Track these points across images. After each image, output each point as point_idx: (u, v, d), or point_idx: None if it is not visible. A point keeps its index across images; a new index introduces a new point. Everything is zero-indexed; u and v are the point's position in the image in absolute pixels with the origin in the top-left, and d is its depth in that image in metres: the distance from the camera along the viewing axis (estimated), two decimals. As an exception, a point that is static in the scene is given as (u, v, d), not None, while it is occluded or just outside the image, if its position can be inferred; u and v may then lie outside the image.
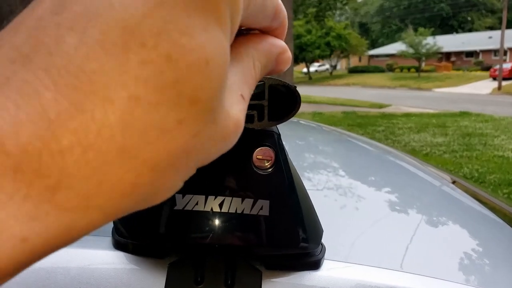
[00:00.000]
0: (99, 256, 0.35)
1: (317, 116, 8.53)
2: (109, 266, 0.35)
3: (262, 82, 0.25)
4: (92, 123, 0.11)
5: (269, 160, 0.30)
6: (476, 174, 4.08)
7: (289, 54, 0.21)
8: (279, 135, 0.31)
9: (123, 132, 0.11)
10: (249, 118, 0.25)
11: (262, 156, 0.30)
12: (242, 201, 0.30)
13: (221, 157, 0.29)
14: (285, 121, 0.26)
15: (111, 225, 0.35)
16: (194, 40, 0.12)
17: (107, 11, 0.11)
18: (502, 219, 0.67)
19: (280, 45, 0.20)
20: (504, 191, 3.57)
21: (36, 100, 0.10)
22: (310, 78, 27.28)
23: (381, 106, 11.16)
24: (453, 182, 0.88)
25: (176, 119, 0.12)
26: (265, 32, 0.20)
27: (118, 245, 0.35)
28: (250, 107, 0.25)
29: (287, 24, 0.21)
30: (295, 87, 0.25)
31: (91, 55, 0.11)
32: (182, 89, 0.12)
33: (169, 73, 0.11)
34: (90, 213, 0.11)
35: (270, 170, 0.30)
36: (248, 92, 0.17)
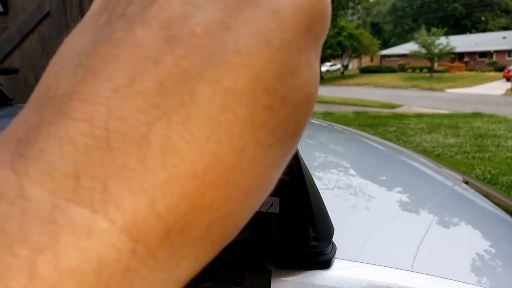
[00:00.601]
0: None
1: (328, 116, 8.50)
2: None
3: None
4: (228, 171, 0.11)
5: None
6: (489, 176, 4.02)
7: None
8: None
9: (250, 175, 0.11)
10: None
11: None
12: None
13: None
14: None
15: None
16: (301, 80, 0.12)
17: (233, 57, 0.11)
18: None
19: None
20: (517, 193, 3.52)
21: (182, 155, 0.10)
22: (321, 77, 26.97)
23: (392, 106, 11.08)
24: (466, 183, 0.87)
25: (281, 156, 0.12)
26: None
27: None
28: None
29: None
30: None
31: (225, 105, 0.10)
32: (287, 127, 0.12)
33: (282, 115, 0.11)
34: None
35: None
36: None
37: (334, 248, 0.35)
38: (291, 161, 0.30)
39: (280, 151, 0.12)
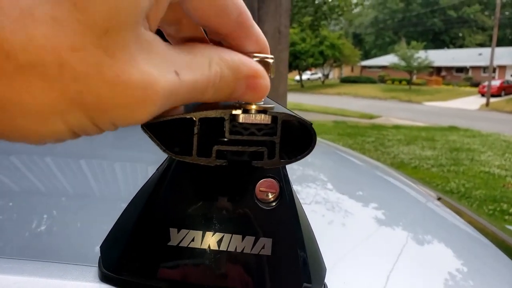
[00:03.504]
0: None
1: (308, 124, 8.56)
2: None
3: (274, 116, 0.22)
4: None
5: (273, 193, 0.27)
6: (463, 189, 4.12)
7: (265, 82, 0.20)
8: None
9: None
10: (258, 156, 0.23)
11: (265, 188, 0.27)
12: (243, 239, 0.27)
13: (221, 189, 0.27)
14: (298, 160, 0.23)
15: (97, 254, 0.33)
16: None
17: None
18: (486, 237, 0.67)
19: (255, 68, 0.19)
20: (489, 207, 3.61)
21: None
22: (302, 86, 27.40)
23: (371, 116, 11.25)
24: (439, 199, 0.88)
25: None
26: (240, 42, 0.20)
27: (105, 278, 0.32)
28: (260, 143, 0.23)
29: (263, 41, 0.21)
30: (311, 124, 0.23)
31: None
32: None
33: None
34: None
35: (274, 204, 0.27)
36: (190, 77, 0.16)
37: None
38: (284, 198, 0.28)
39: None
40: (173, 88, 0.15)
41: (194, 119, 0.21)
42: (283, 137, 0.23)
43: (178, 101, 0.16)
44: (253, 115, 0.21)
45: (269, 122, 0.22)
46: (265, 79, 0.20)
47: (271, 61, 0.21)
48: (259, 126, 0.23)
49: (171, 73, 0.15)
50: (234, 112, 0.21)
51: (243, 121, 0.22)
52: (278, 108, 0.24)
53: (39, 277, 0.32)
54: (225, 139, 0.22)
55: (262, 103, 0.22)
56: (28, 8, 0.11)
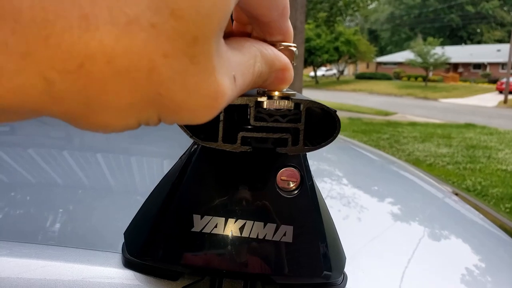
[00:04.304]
0: (107, 273, 0.33)
1: (322, 121, 8.51)
2: (118, 284, 0.32)
3: (298, 104, 0.23)
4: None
5: (294, 182, 0.28)
6: (479, 187, 4.06)
7: (291, 74, 0.21)
8: (305, 154, 0.29)
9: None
10: (282, 142, 0.23)
11: (286, 177, 0.28)
12: (264, 226, 0.28)
13: (244, 177, 0.28)
14: (322, 147, 0.24)
15: (121, 241, 0.33)
16: None
17: None
18: (505, 232, 0.66)
19: (285, 62, 0.20)
20: (506, 205, 3.55)
21: None
22: (317, 82, 27.27)
23: (386, 113, 11.14)
24: (456, 194, 0.88)
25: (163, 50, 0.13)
26: (272, 31, 0.21)
27: (128, 264, 0.32)
28: (284, 130, 0.23)
29: (291, 31, 0.22)
30: (335, 111, 0.23)
31: None
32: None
33: None
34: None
35: (296, 192, 0.28)
36: (241, 82, 0.17)
37: (345, 277, 0.33)
38: (305, 187, 0.28)
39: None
40: (233, 94, 0.16)
41: None
42: (307, 125, 0.23)
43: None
44: (277, 101, 0.22)
45: (292, 108, 0.22)
46: (291, 71, 0.21)
47: (294, 49, 0.22)
48: (283, 113, 0.23)
49: (232, 78, 0.16)
50: (259, 99, 0.22)
51: (268, 107, 0.22)
52: (300, 96, 0.24)
53: (65, 262, 0.33)
54: (250, 126, 0.23)
55: (284, 90, 0.22)
56: (135, 16, 0.12)
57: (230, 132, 0.23)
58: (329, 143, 0.23)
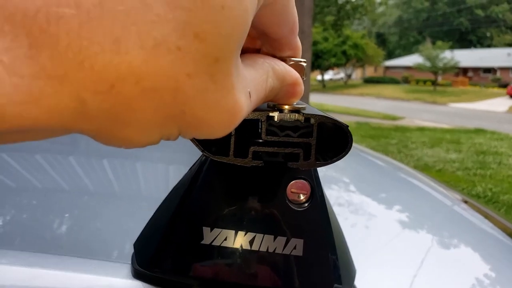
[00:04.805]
0: (116, 284, 0.33)
1: (330, 125, 8.48)
2: None
3: (310, 118, 0.23)
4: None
5: (305, 194, 0.28)
6: (489, 194, 4.01)
7: (301, 88, 0.22)
8: None
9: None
10: (294, 157, 0.24)
11: (297, 189, 0.28)
12: (275, 239, 0.27)
13: (254, 189, 0.28)
14: (334, 162, 0.24)
15: (130, 251, 0.34)
16: None
17: None
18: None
19: (296, 76, 0.21)
20: (517, 212, 3.50)
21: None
22: (324, 86, 27.22)
23: (394, 118, 11.07)
24: (465, 202, 0.87)
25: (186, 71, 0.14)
26: (282, 47, 0.21)
27: (138, 275, 0.33)
28: (295, 145, 0.23)
29: (299, 46, 0.23)
30: (347, 126, 0.23)
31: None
32: (197, 30, 0.13)
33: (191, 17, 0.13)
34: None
35: (306, 205, 0.28)
36: (255, 97, 0.18)
37: None
38: (316, 200, 0.28)
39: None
40: (248, 110, 0.17)
41: None
42: (319, 140, 0.23)
43: None
44: (287, 114, 0.22)
45: (303, 121, 0.23)
46: (302, 85, 0.21)
47: (304, 64, 0.22)
48: (294, 128, 0.23)
49: (247, 94, 0.17)
50: (270, 114, 0.22)
51: (278, 119, 0.22)
52: (311, 109, 0.24)
53: (73, 272, 0.34)
54: (261, 140, 0.23)
55: (295, 104, 0.22)
56: (162, 39, 0.13)
57: (241, 146, 0.23)
58: (341, 158, 0.23)
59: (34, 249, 0.37)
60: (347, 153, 0.23)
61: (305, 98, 3.24)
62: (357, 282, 0.35)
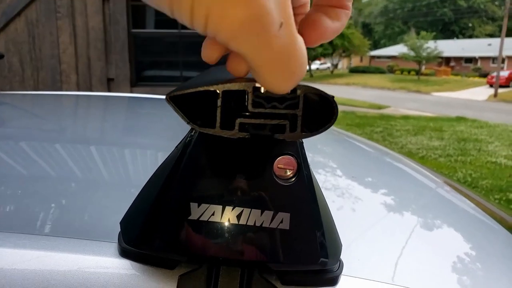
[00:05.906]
0: (103, 263, 0.32)
1: (315, 114, 8.55)
2: (114, 274, 0.32)
3: (296, 90, 0.23)
4: None
5: (291, 170, 0.28)
6: (469, 179, 4.11)
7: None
8: (301, 143, 0.29)
9: None
10: (280, 128, 0.24)
11: (283, 165, 0.28)
12: (262, 213, 0.27)
13: (240, 165, 0.28)
14: (319, 133, 0.24)
15: (117, 230, 0.33)
16: None
17: None
18: (496, 221, 0.67)
19: None
20: (496, 196, 3.60)
21: None
22: (311, 75, 27.25)
23: (380, 107, 11.18)
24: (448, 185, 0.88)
25: None
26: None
27: (125, 253, 0.32)
28: (282, 116, 0.23)
29: None
30: (333, 97, 0.23)
31: None
32: None
33: None
34: None
35: (293, 180, 0.28)
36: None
37: (341, 264, 0.34)
38: (302, 175, 0.28)
39: None
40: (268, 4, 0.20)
41: (218, 91, 0.22)
42: (305, 111, 0.23)
43: None
44: None
45: (289, 92, 0.22)
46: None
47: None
48: (281, 99, 0.23)
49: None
50: (257, 85, 0.22)
51: (264, 90, 0.22)
52: None
53: (60, 252, 0.33)
54: (248, 113, 0.23)
55: None
56: None
57: (227, 118, 0.23)
58: (327, 128, 0.23)
59: (19, 230, 0.37)
60: (332, 123, 0.23)
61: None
62: (344, 258, 0.35)
